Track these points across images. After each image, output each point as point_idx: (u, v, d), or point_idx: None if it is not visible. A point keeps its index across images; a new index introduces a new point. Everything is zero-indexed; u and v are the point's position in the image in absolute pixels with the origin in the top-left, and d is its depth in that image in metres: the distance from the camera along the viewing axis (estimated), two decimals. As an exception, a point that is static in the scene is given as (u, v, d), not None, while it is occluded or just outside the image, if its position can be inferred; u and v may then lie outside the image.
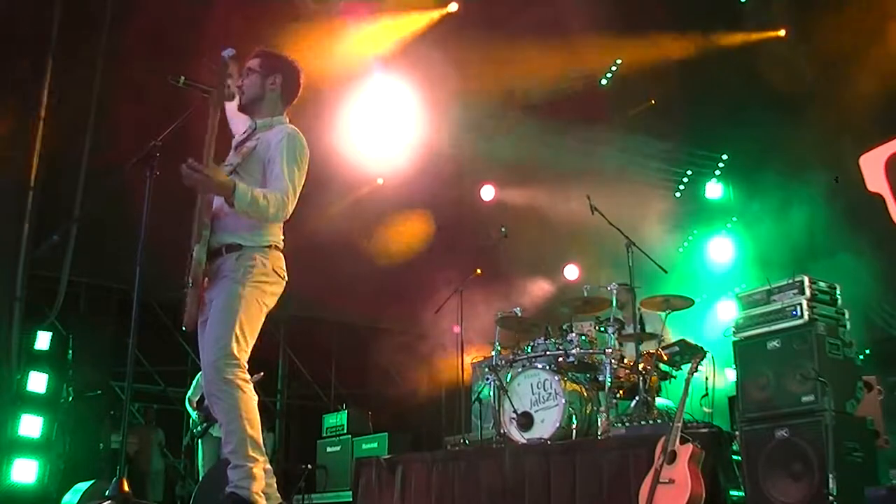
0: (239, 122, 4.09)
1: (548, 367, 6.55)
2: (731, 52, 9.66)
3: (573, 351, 6.60)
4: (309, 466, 9.07)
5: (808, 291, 4.82)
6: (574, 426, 6.16)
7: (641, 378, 6.30)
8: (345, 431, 9.44)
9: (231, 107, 4.07)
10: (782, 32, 9.41)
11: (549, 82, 9.66)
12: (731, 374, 5.77)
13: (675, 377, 6.65)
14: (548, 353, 6.72)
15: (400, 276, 10.61)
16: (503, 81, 9.88)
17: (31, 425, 7.97)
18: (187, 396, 7.95)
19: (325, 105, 8.87)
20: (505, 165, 10.76)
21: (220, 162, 3.87)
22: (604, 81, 10.90)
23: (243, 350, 3.64)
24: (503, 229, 8.07)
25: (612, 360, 6.45)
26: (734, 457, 5.10)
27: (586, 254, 10.34)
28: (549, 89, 9.76)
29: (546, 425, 6.25)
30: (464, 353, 7.88)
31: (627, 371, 6.54)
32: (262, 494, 3.55)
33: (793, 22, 8.98)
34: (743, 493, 4.88)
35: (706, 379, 5.96)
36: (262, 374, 7.19)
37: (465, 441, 7.30)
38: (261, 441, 3.63)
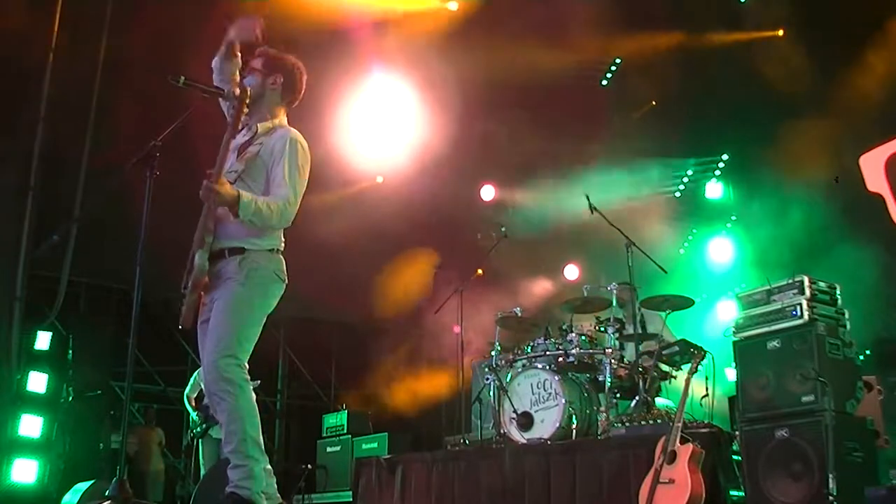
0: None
1: (548, 367, 6.55)
2: (730, 51, 9.66)
3: (573, 351, 6.60)
4: (309, 466, 9.08)
5: (808, 291, 4.82)
6: (574, 426, 6.16)
7: (641, 378, 6.30)
8: (345, 431, 9.44)
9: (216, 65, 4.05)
10: (780, 32, 9.41)
11: (549, 82, 9.65)
12: (731, 374, 5.77)
13: (675, 377, 6.65)
14: (548, 353, 6.72)
15: (400, 277, 10.61)
16: (503, 81, 9.88)
17: (31, 425, 7.98)
18: (185, 394, 7.96)
19: (325, 105, 8.87)
20: (505, 165, 10.76)
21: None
22: (604, 82, 10.90)
23: (245, 351, 3.66)
24: (503, 229, 8.07)
25: (612, 360, 6.44)
26: (734, 457, 5.10)
27: (586, 254, 10.34)
28: (549, 89, 9.75)
29: (546, 425, 6.25)
30: (464, 353, 7.87)
31: (627, 371, 6.54)
32: (262, 494, 3.55)
33: (791, 21, 8.97)
34: (743, 493, 4.88)
35: (706, 379, 5.95)
36: (258, 381, 7.20)
37: (465, 441, 7.29)
38: (261, 441, 3.64)
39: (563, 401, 6.21)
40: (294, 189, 3.76)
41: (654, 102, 10.76)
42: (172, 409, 11.18)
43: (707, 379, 5.95)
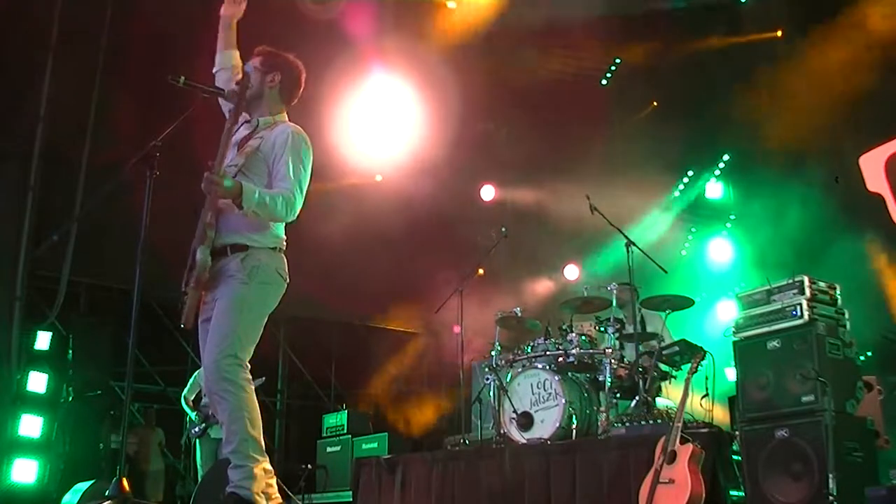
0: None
1: (548, 367, 6.54)
2: (731, 51, 9.67)
3: (573, 351, 6.59)
4: (309, 466, 9.07)
5: (807, 291, 4.82)
6: (574, 426, 6.16)
7: (641, 378, 6.29)
8: (345, 431, 9.43)
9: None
10: (779, 33, 9.41)
11: (549, 82, 9.66)
12: (731, 374, 5.76)
13: (675, 377, 6.64)
14: (548, 353, 6.71)
15: (400, 277, 10.61)
16: (503, 81, 9.89)
17: (31, 425, 7.99)
18: (183, 395, 7.95)
19: (325, 104, 8.87)
20: (505, 165, 10.77)
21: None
22: (604, 81, 10.91)
23: (246, 351, 3.65)
24: (503, 229, 8.06)
25: (612, 360, 6.44)
26: (734, 457, 5.10)
27: (586, 254, 10.34)
28: (549, 89, 9.76)
29: (546, 425, 6.25)
30: (464, 353, 7.86)
31: (627, 371, 6.54)
32: (262, 494, 3.55)
33: (791, 22, 8.98)
34: (743, 493, 4.88)
35: (706, 379, 5.95)
36: (263, 378, 7.20)
37: (465, 441, 7.29)
38: (262, 441, 3.63)
39: (563, 401, 6.21)
40: (297, 182, 3.76)
41: (655, 103, 10.76)
42: (172, 409, 11.15)
43: (707, 379, 5.94)
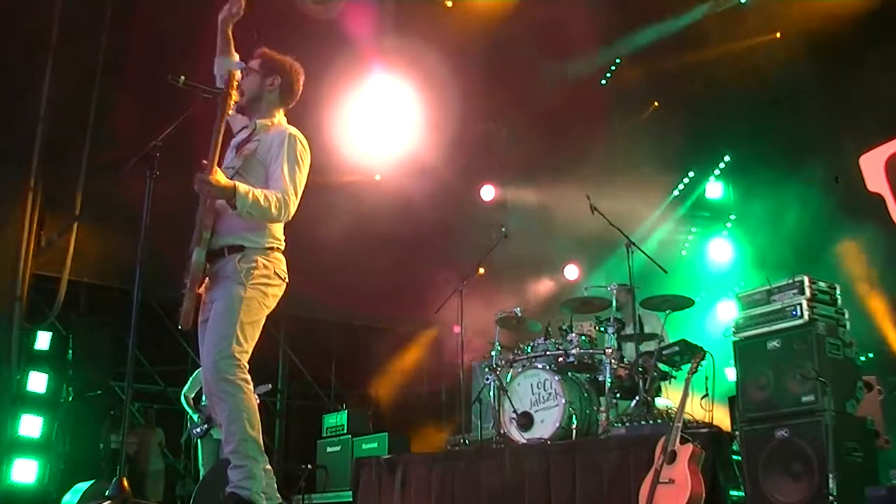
0: (237, 119, 4.10)
1: (548, 367, 6.54)
2: (731, 52, 9.67)
3: (573, 351, 6.59)
4: (309, 466, 9.07)
5: (808, 291, 4.82)
6: (574, 426, 6.16)
7: (641, 378, 6.29)
8: (345, 431, 9.43)
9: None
10: (778, 34, 9.41)
11: (549, 82, 9.66)
12: (731, 374, 5.76)
13: (675, 377, 6.64)
14: (548, 353, 6.72)
15: (400, 277, 10.61)
16: (503, 81, 9.89)
17: (31, 425, 7.99)
18: (183, 393, 7.95)
19: (325, 104, 8.87)
20: (505, 165, 10.76)
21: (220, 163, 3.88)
22: (603, 81, 10.91)
23: (244, 351, 3.65)
24: (503, 229, 8.06)
25: (612, 360, 6.44)
26: (734, 457, 5.10)
27: (586, 254, 10.34)
28: (549, 89, 9.77)
29: (546, 425, 6.25)
30: (464, 353, 7.87)
31: (627, 371, 6.54)
32: (262, 494, 3.55)
33: (790, 23, 8.97)
34: (743, 493, 4.88)
35: (706, 379, 5.95)
36: (269, 385, 7.22)
37: (465, 441, 7.29)
38: (261, 441, 3.63)
39: (563, 401, 6.21)
40: (293, 183, 3.75)
41: (656, 103, 10.76)
42: (172, 409, 11.16)
43: (707, 379, 5.94)
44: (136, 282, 3.85)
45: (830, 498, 4.26)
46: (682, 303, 6.79)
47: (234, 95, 3.83)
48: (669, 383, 6.72)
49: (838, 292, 4.98)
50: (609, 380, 6.33)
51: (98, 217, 8.01)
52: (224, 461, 3.73)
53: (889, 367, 7.31)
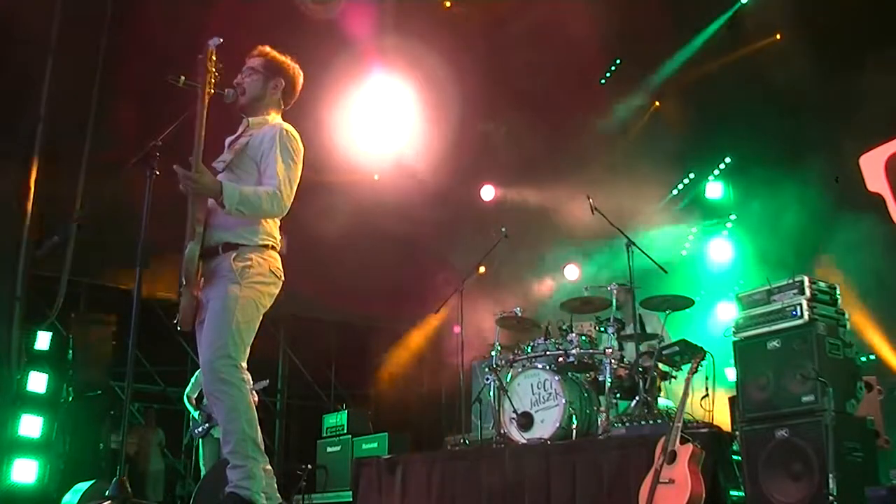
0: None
1: (548, 367, 6.54)
2: (731, 52, 9.67)
3: (573, 351, 6.60)
4: (309, 466, 9.07)
5: (807, 291, 4.82)
6: (574, 426, 6.16)
7: (641, 378, 6.30)
8: (345, 431, 9.43)
9: None
10: (778, 36, 9.41)
11: (549, 82, 9.65)
12: (731, 374, 5.76)
13: (675, 377, 6.65)
14: (548, 353, 6.72)
15: (400, 276, 10.61)
16: (503, 81, 9.88)
17: (31, 425, 7.98)
18: (186, 393, 7.95)
19: (325, 104, 8.87)
20: (505, 165, 10.76)
21: (214, 158, 3.88)
22: (603, 81, 10.90)
23: (241, 350, 3.63)
24: (503, 229, 8.07)
25: (612, 360, 6.44)
26: (734, 457, 5.10)
27: (586, 254, 10.34)
28: (549, 89, 9.76)
29: (546, 425, 6.25)
30: (464, 353, 7.87)
31: (627, 371, 6.54)
32: (262, 494, 3.54)
33: (790, 24, 8.97)
34: (743, 493, 4.88)
35: (706, 379, 5.95)
36: (266, 381, 7.21)
37: (465, 441, 7.29)
38: (261, 441, 3.63)
39: (563, 401, 6.21)
40: (285, 177, 3.73)
41: (657, 103, 10.76)
42: (172, 409, 11.18)
43: (707, 379, 5.95)
44: (136, 282, 3.85)
45: (830, 498, 4.26)
46: (682, 303, 6.80)
47: (213, 72, 3.75)
48: (669, 383, 6.73)
49: (838, 292, 4.98)
50: (609, 380, 6.33)
51: (98, 217, 8.01)
52: (224, 461, 3.72)
53: (889, 368, 7.31)
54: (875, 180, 5.47)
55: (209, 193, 3.64)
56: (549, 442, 6.13)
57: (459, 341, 7.82)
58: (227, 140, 3.98)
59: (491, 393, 6.95)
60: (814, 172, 8.37)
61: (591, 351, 6.61)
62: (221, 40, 3.80)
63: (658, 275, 7.33)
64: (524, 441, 6.32)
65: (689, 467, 4.68)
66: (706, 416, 5.93)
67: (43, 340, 8.35)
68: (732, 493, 4.95)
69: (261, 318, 3.76)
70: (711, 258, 10.47)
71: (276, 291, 3.83)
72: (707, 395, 6.02)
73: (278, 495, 3.67)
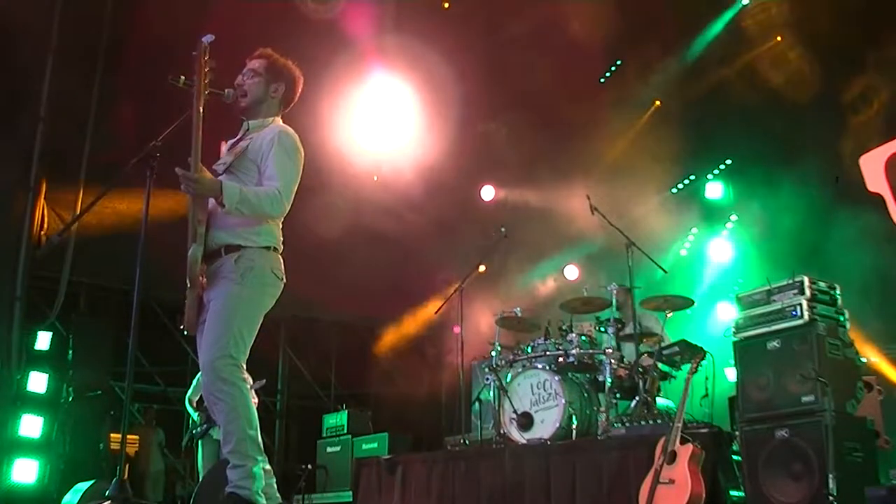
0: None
1: (548, 367, 6.54)
2: (731, 53, 9.67)
3: (573, 351, 6.59)
4: (309, 466, 9.07)
5: (807, 291, 4.82)
6: (574, 426, 6.16)
7: (641, 378, 6.30)
8: (345, 431, 9.43)
9: None
10: (779, 38, 9.41)
11: (549, 82, 9.65)
12: (731, 374, 5.76)
13: (675, 377, 6.65)
14: (548, 353, 6.72)
15: (400, 277, 10.60)
16: (503, 80, 9.88)
17: (31, 425, 8.00)
18: (187, 396, 7.95)
19: (325, 105, 8.87)
20: (505, 165, 10.76)
21: (216, 159, 3.88)
22: (602, 80, 10.90)
23: (241, 351, 3.64)
24: (503, 229, 8.07)
25: (612, 360, 6.44)
26: (734, 457, 5.10)
27: (586, 254, 10.34)
28: (549, 89, 9.76)
29: (546, 425, 6.25)
30: (464, 353, 7.87)
31: (627, 371, 6.54)
32: (261, 494, 3.54)
33: (791, 25, 8.97)
34: (743, 493, 4.88)
35: (706, 379, 5.95)
36: (263, 380, 7.21)
37: (465, 441, 7.29)
38: (260, 441, 3.63)
39: (563, 401, 6.21)
40: (285, 178, 3.73)
41: (658, 102, 10.76)
42: (172, 409, 11.18)
43: (707, 379, 5.95)
44: (136, 282, 3.85)
45: (830, 498, 4.26)
46: (682, 303, 6.80)
47: (208, 73, 3.75)
48: (669, 383, 6.73)
49: (838, 292, 4.97)
50: (609, 380, 6.33)
51: (98, 217, 8.01)
52: (224, 461, 3.72)
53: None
54: (875, 180, 5.47)
55: (209, 193, 3.64)
56: (549, 442, 6.13)
57: (459, 341, 7.82)
58: (228, 143, 3.99)
59: (491, 393, 6.94)
60: (813, 172, 8.37)
61: (591, 351, 6.61)
62: (214, 37, 3.78)
63: (658, 275, 7.33)
64: (524, 441, 6.32)
65: (689, 467, 4.68)
66: (706, 417, 5.93)
67: (43, 340, 8.36)
68: (732, 493, 4.95)
69: (262, 319, 3.77)
70: (711, 258, 10.47)
71: (278, 293, 3.83)
72: (707, 395, 6.02)
73: (278, 495, 3.67)
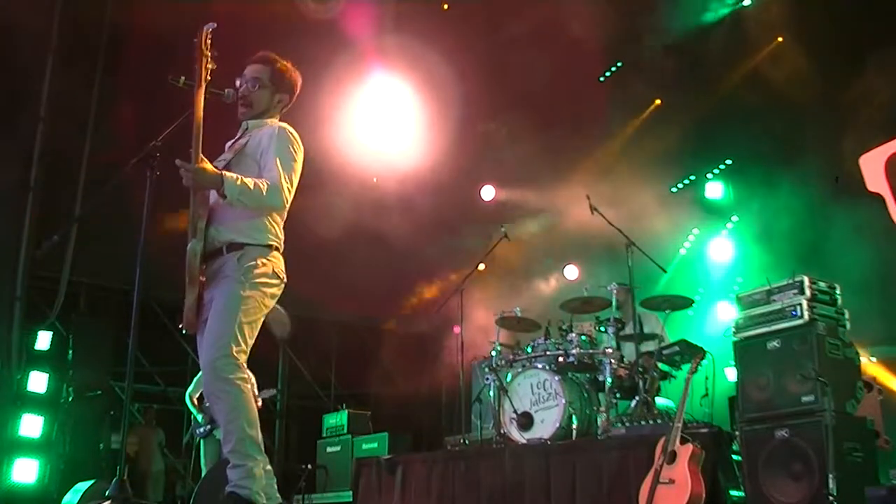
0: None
1: (548, 367, 6.54)
2: (731, 53, 9.67)
3: (573, 351, 6.59)
4: (309, 466, 9.07)
5: (807, 291, 4.82)
6: (574, 426, 6.16)
7: (641, 378, 6.30)
8: (345, 431, 9.44)
9: None
10: (780, 39, 9.41)
11: (549, 82, 9.65)
12: (731, 374, 5.76)
13: (675, 377, 6.64)
14: (548, 353, 6.71)
15: (400, 277, 10.60)
16: (503, 80, 9.88)
17: (31, 425, 8.00)
18: (188, 392, 7.96)
19: (325, 105, 8.87)
20: (505, 165, 10.76)
21: (217, 155, 3.89)
22: (602, 79, 10.90)
23: (242, 350, 3.63)
24: (503, 229, 8.06)
25: (612, 360, 6.44)
26: (734, 457, 5.10)
27: (586, 254, 10.34)
28: (549, 89, 9.76)
29: (546, 425, 6.25)
30: (464, 353, 7.87)
31: (627, 371, 6.54)
32: (261, 493, 3.54)
33: (791, 25, 8.97)
34: (743, 493, 4.88)
35: (706, 379, 5.95)
36: (274, 391, 7.21)
37: (465, 441, 7.29)
38: (260, 441, 3.63)
39: (563, 401, 6.21)
40: (285, 170, 3.74)
41: (657, 102, 10.75)
42: (172, 409, 11.19)
43: (707, 379, 5.95)
44: (136, 282, 3.85)
45: (830, 498, 4.26)
46: (682, 303, 6.80)
47: (209, 60, 3.75)
48: (669, 383, 6.73)
49: (838, 292, 4.97)
50: (609, 380, 6.33)
51: (98, 217, 8.02)
52: (224, 461, 3.72)
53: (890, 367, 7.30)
54: (875, 180, 5.47)
55: (210, 184, 3.62)
56: (549, 442, 6.13)
57: (459, 341, 7.82)
58: (227, 144, 4.00)
59: (491, 393, 6.94)
60: (813, 172, 8.38)
61: (591, 351, 6.61)
62: (216, 25, 3.80)
63: (658, 274, 7.32)
64: (524, 441, 6.32)
65: (689, 467, 4.68)
66: (706, 417, 5.93)
67: (43, 340, 8.37)
68: (732, 493, 4.95)
69: (263, 318, 3.77)
70: (711, 258, 10.47)
71: (279, 293, 3.83)
72: (707, 394, 6.02)
73: (278, 495, 3.67)
